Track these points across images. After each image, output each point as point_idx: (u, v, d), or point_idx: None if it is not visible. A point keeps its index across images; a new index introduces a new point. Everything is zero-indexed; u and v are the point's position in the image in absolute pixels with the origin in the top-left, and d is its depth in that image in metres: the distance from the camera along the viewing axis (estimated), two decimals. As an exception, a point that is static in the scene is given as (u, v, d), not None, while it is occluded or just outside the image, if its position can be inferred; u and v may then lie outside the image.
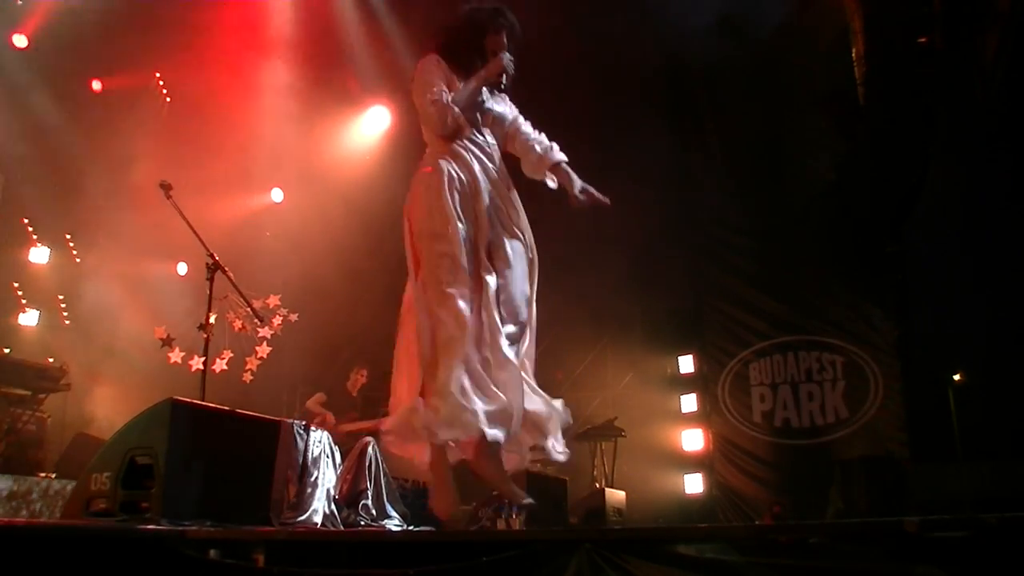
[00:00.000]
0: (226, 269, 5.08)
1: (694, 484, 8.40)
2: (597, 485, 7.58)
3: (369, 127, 9.90)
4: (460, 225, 3.22)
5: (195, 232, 5.02)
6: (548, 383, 3.35)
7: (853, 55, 7.60)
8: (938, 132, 7.36)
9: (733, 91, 8.44)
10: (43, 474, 6.46)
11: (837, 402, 7.74)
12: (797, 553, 2.14)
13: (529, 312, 3.36)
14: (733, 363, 8.26)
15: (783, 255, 8.14)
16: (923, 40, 6.92)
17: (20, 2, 8.43)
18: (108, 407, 8.08)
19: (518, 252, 3.35)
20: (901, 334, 7.61)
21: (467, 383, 3.08)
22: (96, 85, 9.19)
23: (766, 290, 8.20)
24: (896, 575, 2.07)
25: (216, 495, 3.73)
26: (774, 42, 7.83)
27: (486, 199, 3.31)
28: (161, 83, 9.69)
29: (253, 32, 8.99)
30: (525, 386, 3.20)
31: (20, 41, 8.38)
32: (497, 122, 3.50)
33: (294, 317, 6.03)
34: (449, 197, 3.24)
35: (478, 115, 3.43)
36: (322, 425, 6.86)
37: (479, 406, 3.06)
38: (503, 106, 3.54)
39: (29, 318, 8.82)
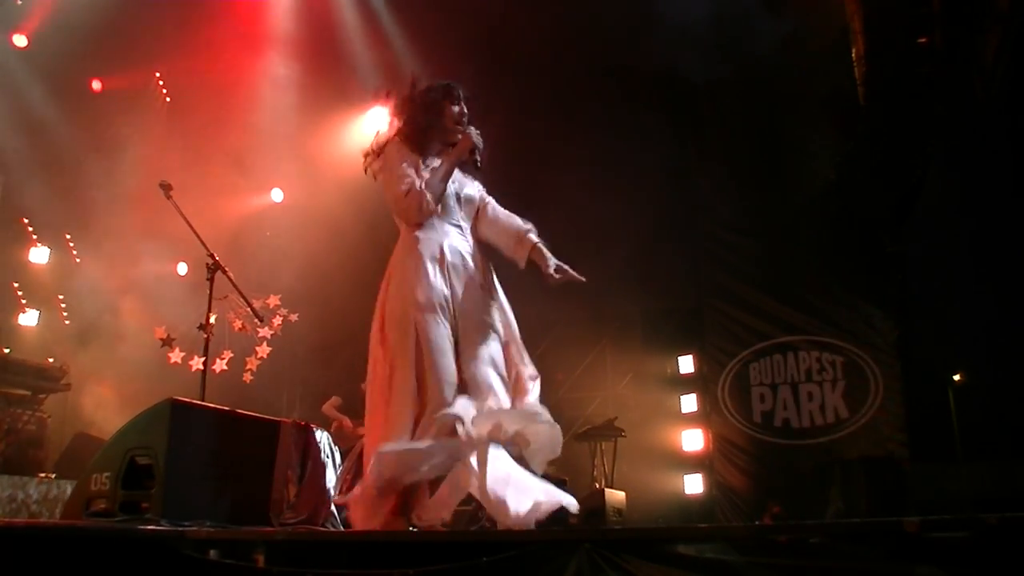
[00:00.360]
0: (226, 269, 5.07)
1: (694, 484, 8.39)
2: (597, 485, 7.56)
3: (369, 127, 9.88)
4: (443, 297, 3.20)
5: (195, 232, 5.02)
6: (548, 383, 3.35)
7: (853, 55, 7.59)
8: (938, 132, 7.35)
9: (733, 91, 8.44)
10: (43, 474, 6.47)
11: (837, 402, 7.73)
12: (797, 553, 2.14)
13: (515, 378, 3.33)
14: (733, 363, 8.24)
15: (783, 255, 8.12)
16: (923, 40, 6.91)
17: (20, 2, 8.43)
18: (108, 407, 8.09)
19: (493, 327, 3.32)
20: (901, 334, 7.60)
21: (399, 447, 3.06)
22: (96, 85, 9.21)
23: (766, 290, 8.19)
24: (896, 575, 2.07)
25: (216, 495, 3.73)
26: (774, 43, 7.83)
27: (460, 282, 3.27)
28: (161, 83, 9.70)
29: (253, 32, 8.99)
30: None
31: (20, 41, 8.39)
32: (467, 202, 3.46)
33: (294, 317, 6.04)
34: (428, 273, 3.20)
35: (452, 196, 3.38)
36: (339, 429, 6.87)
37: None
38: (471, 187, 3.51)
39: (29, 318, 8.83)
